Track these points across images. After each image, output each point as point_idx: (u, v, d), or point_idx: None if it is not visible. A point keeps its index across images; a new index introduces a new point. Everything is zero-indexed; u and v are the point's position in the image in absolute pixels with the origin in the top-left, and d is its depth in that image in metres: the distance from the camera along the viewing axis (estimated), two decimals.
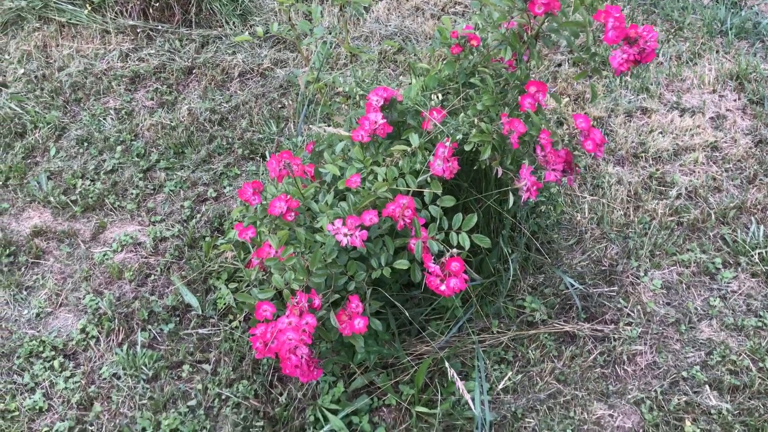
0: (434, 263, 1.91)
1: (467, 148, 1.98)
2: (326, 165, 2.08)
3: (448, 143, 1.94)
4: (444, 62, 2.10)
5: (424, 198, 2.00)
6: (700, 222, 2.82)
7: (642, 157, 3.09)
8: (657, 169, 3.04)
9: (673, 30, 3.79)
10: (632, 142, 3.15)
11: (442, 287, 1.88)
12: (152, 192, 3.06)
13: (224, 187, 3.07)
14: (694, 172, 3.03)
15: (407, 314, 2.17)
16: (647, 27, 2.00)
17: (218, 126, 3.37)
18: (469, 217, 1.97)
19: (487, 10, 2.06)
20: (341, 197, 2.11)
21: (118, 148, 3.24)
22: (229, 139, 3.30)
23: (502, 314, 2.45)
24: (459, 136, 1.97)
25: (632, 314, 2.50)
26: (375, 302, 2.00)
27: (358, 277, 1.94)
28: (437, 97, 2.10)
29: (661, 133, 3.19)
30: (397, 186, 2.00)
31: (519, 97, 2.03)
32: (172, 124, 3.36)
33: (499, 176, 1.98)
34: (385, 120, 2.03)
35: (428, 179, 1.97)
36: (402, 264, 1.95)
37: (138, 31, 3.90)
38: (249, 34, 3.82)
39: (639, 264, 2.67)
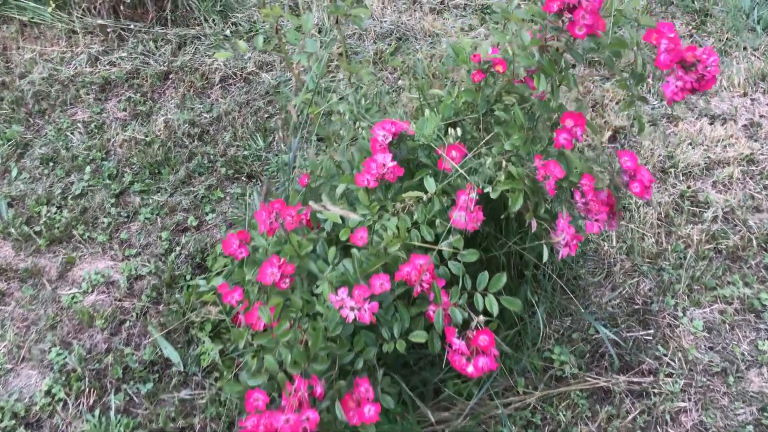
0: (458, 337, 1.60)
1: (494, 195, 1.67)
2: (325, 211, 1.76)
3: (471, 193, 1.62)
4: (462, 90, 1.78)
5: (443, 252, 1.69)
6: (740, 249, 2.52)
7: (671, 172, 2.79)
8: (688, 187, 2.73)
9: (694, 23, 3.47)
10: (659, 155, 2.84)
11: (470, 368, 1.58)
12: (126, 220, 2.72)
13: (206, 214, 2.74)
14: (730, 189, 2.73)
15: (422, 384, 1.86)
16: (707, 49, 1.68)
17: (198, 141, 3.03)
18: (497, 277, 1.66)
19: (513, 28, 1.73)
20: (343, 247, 1.80)
21: (87, 168, 2.89)
22: (211, 156, 2.96)
23: (527, 369, 2.15)
24: (484, 185, 1.65)
25: (672, 363, 2.20)
26: (388, 384, 1.69)
27: (368, 353, 1.63)
28: (455, 132, 1.78)
29: (690, 144, 2.88)
30: (410, 239, 1.69)
31: (552, 131, 1.72)
32: (147, 139, 3.02)
33: (533, 230, 1.67)
34: (395, 162, 1.70)
35: (448, 230, 1.66)
36: (419, 336, 1.64)
37: (108, 31, 3.53)
38: (231, 46, 3.46)
39: (676, 302, 2.37)
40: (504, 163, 1.66)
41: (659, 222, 2.61)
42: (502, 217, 1.81)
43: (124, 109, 3.19)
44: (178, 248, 2.60)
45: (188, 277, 2.49)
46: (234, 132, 3.05)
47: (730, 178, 2.76)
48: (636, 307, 2.37)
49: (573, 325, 2.28)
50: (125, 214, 2.74)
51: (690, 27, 3.38)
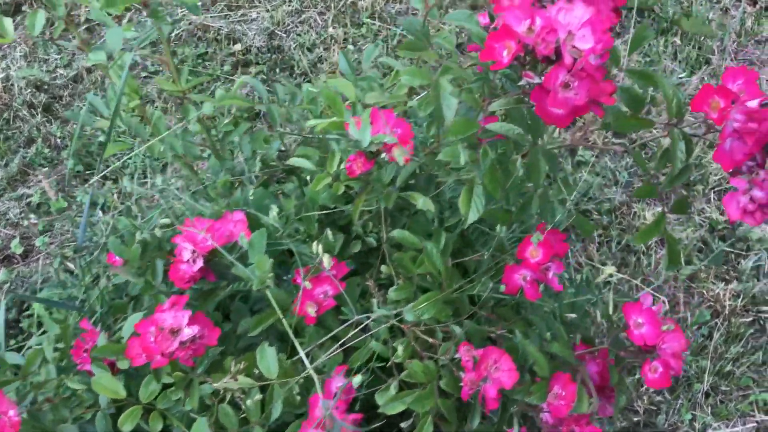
0: None
1: (389, 410, 0.87)
2: None
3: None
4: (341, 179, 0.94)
5: None
6: None
7: (698, 191, 1.96)
8: (722, 214, 1.91)
9: None
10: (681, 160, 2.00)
11: None
12: None
13: (40, 233, 1.94)
14: None
15: None
16: None
17: (45, 114, 2.18)
18: None
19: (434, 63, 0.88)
20: None
21: None
22: (58, 140, 2.12)
23: None
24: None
25: None
26: None
27: None
28: (328, 239, 0.97)
29: None
30: None
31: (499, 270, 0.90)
32: None
33: None
34: (197, 328, 0.89)
35: None
36: None
37: None
38: None
39: (693, 415, 1.62)
40: (399, 347, 0.86)
41: (676, 273, 1.81)
42: None
43: None
44: None
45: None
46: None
47: None
48: (636, 419, 1.61)
49: None
50: None
51: None
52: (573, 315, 0.95)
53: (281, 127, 1.22)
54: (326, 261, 0.90)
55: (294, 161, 1.00)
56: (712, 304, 1.77)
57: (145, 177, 2.02)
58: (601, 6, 0.76)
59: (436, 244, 0.88)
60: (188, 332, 0.89)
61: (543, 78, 0.72)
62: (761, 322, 1.76)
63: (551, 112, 0.73)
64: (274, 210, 0.96)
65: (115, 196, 2.00)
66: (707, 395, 1.66)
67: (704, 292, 1.79)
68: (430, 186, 1.07)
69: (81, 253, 1.29)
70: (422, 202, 0.90)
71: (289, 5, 2.43)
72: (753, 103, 0.82)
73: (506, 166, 0.82)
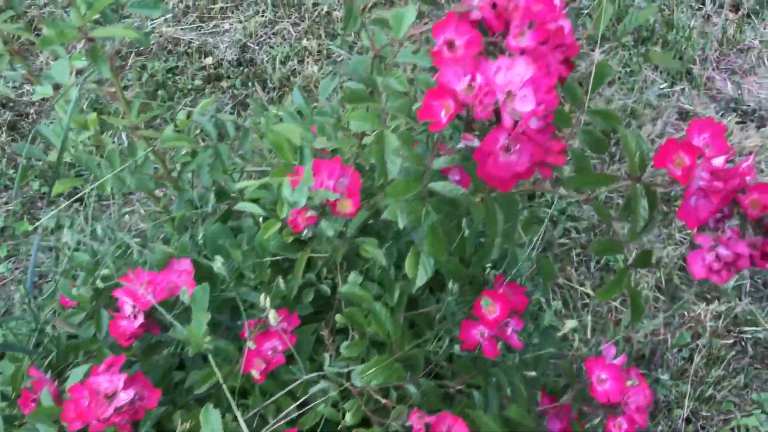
0: None
1: None
2: None
3: None
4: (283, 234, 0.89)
5: None
6: None
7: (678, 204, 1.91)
8: None
9: None
10: (663, 174, 1.96)
11: None
12: None
13: (5, 258, 1.89)
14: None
15: None
16: None
17: (10, 132, 2.13)
18: None
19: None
20: None
21: None
22: (25, 161, 2.07)
23: None
24: None
25: None
26: None
27: None
28: (279, 287, 0.92)
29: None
30: None
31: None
32: None
33: None
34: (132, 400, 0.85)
35: None
36: None
37: None
38: None
39: None
40: (348, 413, 0.81)
41: (656, 293, 1.77)
42: None
43: None
44: None
45: None
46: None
47: None
48: None
49: None
50: None
51: None
52: (533, 373, 0.91)
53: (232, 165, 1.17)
54: (272, 317, 0.86)
55: (242, 206, 0.95)
56: (692, 325, 1.73)
57: (113, 198, 1.97)
58: (549, 58, 0.71)
59: (389, 298, 0.84)
60: (124, 397, 0.84)
61: (483, 142, 0.67)
62: (743, 343, 1.72)
63: (493, 176, 0.68)
64: (218, 261, 0.91)
65: (82, 218, 1.95)
66: (688, 421, 1.62)
67: (685, 313, 1.75)
68: (388, 230, 1.02)
69: (30, 295, 1.24)
70: (373, 254, 0.85)
71: (263, 16, 2.38)
72: (719, 161, 0.77)
73: (455, 223, 0.77)
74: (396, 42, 0.92)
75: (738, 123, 2.05)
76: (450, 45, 0.71)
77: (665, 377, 1.64)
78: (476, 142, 0.68)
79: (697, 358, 1.68)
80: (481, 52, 0.73)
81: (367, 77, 0.81)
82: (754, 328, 1.73)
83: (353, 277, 0.86)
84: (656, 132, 2.01)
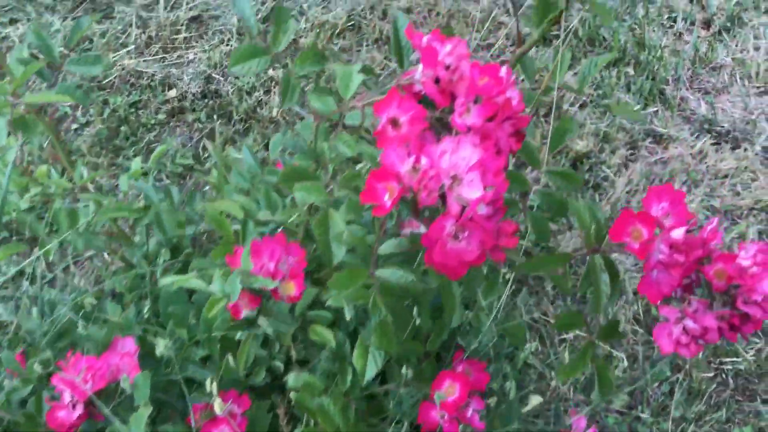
0: None
1: None
2: None
3: None
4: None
5: None
6: (755, 377, 1.67)
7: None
8: None
9: None
10: (639, 201, 1.92)
11: None
12: None
13: None
14: None
15: None
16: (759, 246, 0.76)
17: None
18: None
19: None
20: None
21: None
22: None
23: None
24: None
25: None
26: None
27: None
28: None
29: (686, 182, 1.95)
30: None
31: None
32: None
33: None
34: None
35: None
36: None
37: None
38: None
39: None
40: None
41: (634, 326, 1.73)
42: None
43: None
44: None
45: None
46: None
47: (743, 241, 1.86)
48: None
49: None
50: None
51: None
52: None
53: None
54: (217, 407, 0.80)
55: (186, 282, 0.89)
56: (672, 358, 1.69)
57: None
58: (498, 134, 0.66)
59: (342, 384, 0.78)
60: None
61: (429, 228, 0.62)
62: (724, 375, 1.68)
63: (442, 264, 0.63)
64: (161, 344, 0.85)
65: (44, 263, 1.89)
66: None
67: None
68: None
69: None
70: (323, 337, 0.80)
71: (227, 45, 2.33)
72: (678, 233, 0.73)
73: (407, 303, 0.72)
74: (345, 103, 0.87)
75: (713, 144, 2.02)
76: (394, 123, 0.66)
77: (645, 415, 1.60)
78: (422, 229, 0.63)
79: (677, 394, 1.64)
80: (426, 128, 0.68)
81: (310, 150, 0.76)
82: (734, 359, 1.69)
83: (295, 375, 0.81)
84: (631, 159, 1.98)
